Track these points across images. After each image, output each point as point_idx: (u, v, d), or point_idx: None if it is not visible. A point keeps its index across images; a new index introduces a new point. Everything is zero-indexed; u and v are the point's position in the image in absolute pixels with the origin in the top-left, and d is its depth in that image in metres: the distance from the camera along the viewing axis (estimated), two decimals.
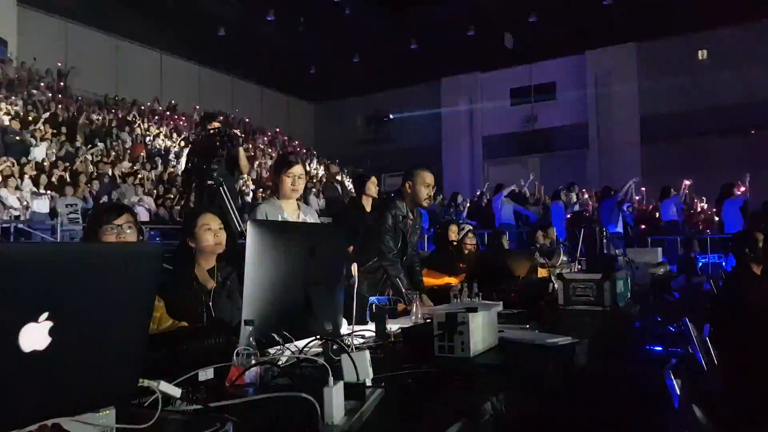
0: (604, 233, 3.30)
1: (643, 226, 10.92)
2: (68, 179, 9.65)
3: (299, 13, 14.49)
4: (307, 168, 14.25)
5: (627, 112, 16.20)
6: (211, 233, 2.49)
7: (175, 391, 1.07)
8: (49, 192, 8.99)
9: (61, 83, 14.22)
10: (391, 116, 19.69)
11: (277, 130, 19.27)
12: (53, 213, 8.59)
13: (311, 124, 22.40)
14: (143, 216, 9.08)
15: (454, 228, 5.12)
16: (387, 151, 19.13)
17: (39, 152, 10.30)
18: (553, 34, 15.25)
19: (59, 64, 14.61)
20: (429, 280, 4.07)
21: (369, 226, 3.27)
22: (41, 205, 8.63)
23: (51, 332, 0.82)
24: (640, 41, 15.98)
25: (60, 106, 12.83)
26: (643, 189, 13.04)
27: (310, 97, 21.66)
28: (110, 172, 10.62)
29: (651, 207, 12.06)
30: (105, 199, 9.35)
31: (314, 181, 14.46)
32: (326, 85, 19.48)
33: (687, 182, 10.69)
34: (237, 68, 18.73)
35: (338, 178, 10.65)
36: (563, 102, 17.33)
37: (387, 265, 3.05)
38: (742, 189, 9.01)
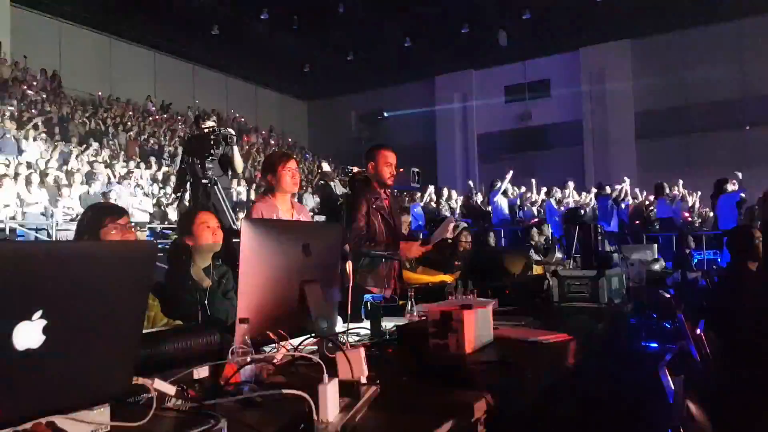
0: (599, 230, 3.31)
1: (637, 221, 10.99)
2: (63, 179, 9.61)
3: (293, 11, 14.45)
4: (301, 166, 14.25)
5: (621, 108, 16.25)
6: (209, 231, 2.49)
7: (170, 389, 1.07)
8: (43, 191, 8.95)
9: (55, 83, 14.14)
10: (385, 114, 19.66)
11: (270, 128, 19.24)
12: (48, 213, 8.55)
13: (305, 122, 22.36)
14: (140, 216, 9.06)
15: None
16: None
17: (33, 152, 10.25)
18: (546, 31, 15.27)
19: (53, 65, 14.53)
20: (424, 278, 4.09)
21: (342, 208, 3.30)
22: (36, 206, 8.59)
23: (45, 330, 0.82)
24: (633, 38, 16.02)
25: (54, 105, 12.76)
26: (636, 190, 13.12)
27: (304, 95, 21.61)
28: (105, 172, 10.58)
29: (646, 203, 12.12)
30: (100, 199, 9.31)
31: (309, 179, 14.45)
32: (320, 83, 19.45)
33: (680, 182, 10.81)
34: (231, 67, 18.67)
35: (333, 176, 10.65)
36: (558, 99, 17.36)
37: (357, 241, 3.05)
38: (735, 188, 9.07)
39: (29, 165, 9.64)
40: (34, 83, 13.33)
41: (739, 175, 9.24)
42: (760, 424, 2.30)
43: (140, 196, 9.97)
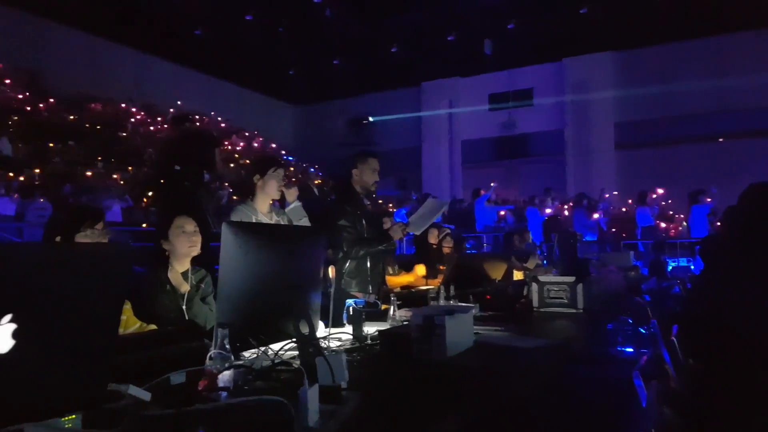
0: (577, 238, 3.36)
1: (614, 229, 11.19)
2: (38, 180, 9.42)
3: (279, 13, 14.42)
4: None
5: (602, 118, 16.52)
6: (186, 236, 2.45)
7: (145, 396, 1.05)
8: (15, 195, 8.74)
9: (34, 82, 13.86)
10: (371, 119, 19.69)
11: (255, 132, 19.12)
12: (21, 215, 8.36)
13: (291, 126, 22.26)
14: (117, 218, 8.91)
15: (434, 232, 5.14)
16: None
17: (9, 152, 10.03)
18: (531, 41, 15.49)
19: (33, 64, 14.26)
20: (401, 279, 4.12)
21: (327, 216, 3.31)
22: (8, 207, 8.39)
23: (14, 335, 0.80)
24: (616, 50, 16.33)
25: (32, 105, 12.51)
26: (616, 193, 13.43)
27: (291, 99, 21.53)
28: (82, 173, 10.40)
29: (624, 210, 12.36)
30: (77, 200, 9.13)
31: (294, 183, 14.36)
32: (306, 87, 19.40)
33: (660, 191, 11.09)
34: (215, 68, 18.51)
35: (315, 182, 10.68)
36: (540, 108, 17.58)
37: (353, 248, 3.10)
38: (708, 200, 9.40)
39: (4, 165, 9.43)
40: (13, 82, 13.04)
41: (713, 190, 9.57)
42: (730, 427, 2.34)
43: (118, 197, 9.81)
